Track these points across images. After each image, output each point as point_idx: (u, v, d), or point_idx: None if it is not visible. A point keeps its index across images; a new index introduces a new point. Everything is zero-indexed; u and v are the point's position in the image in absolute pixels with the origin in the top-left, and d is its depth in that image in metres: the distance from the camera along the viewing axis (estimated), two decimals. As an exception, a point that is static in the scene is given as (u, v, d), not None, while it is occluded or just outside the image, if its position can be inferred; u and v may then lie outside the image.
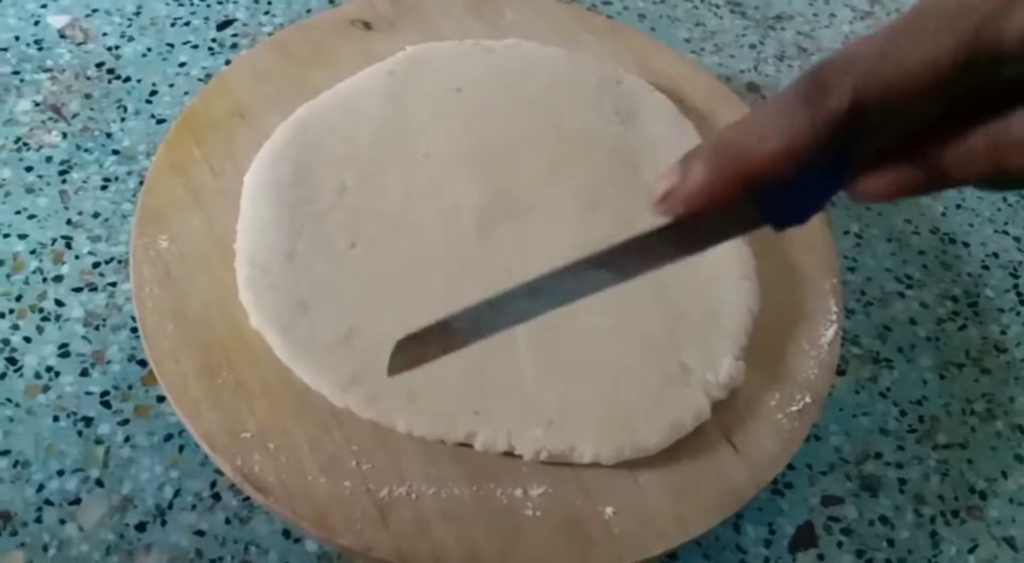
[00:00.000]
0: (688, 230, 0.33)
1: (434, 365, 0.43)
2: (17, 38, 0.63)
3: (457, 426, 0.42)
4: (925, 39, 0.27)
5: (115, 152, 0.58)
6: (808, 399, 0.47)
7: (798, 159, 0.29)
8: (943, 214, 0.65)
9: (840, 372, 0.55)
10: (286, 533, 0.46)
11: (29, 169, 0.57)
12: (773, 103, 0.29)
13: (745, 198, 0.31)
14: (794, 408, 0.47)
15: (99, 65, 0.62)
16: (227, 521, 0.46)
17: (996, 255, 0.64)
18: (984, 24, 0.26)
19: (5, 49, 0.62)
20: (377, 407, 0.43)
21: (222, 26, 0.65)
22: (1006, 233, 0.65)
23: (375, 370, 0.42)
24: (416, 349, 0.37)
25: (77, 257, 0.53)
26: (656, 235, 0.34)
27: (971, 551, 0.51)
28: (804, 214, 0.32)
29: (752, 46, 0.73)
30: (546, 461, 0.43)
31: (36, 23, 0.64)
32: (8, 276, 0.52)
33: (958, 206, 0.66)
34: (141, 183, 0.56)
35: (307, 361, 0.43)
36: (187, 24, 0.65)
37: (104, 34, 0.64)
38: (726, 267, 0.49)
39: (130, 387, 0.49)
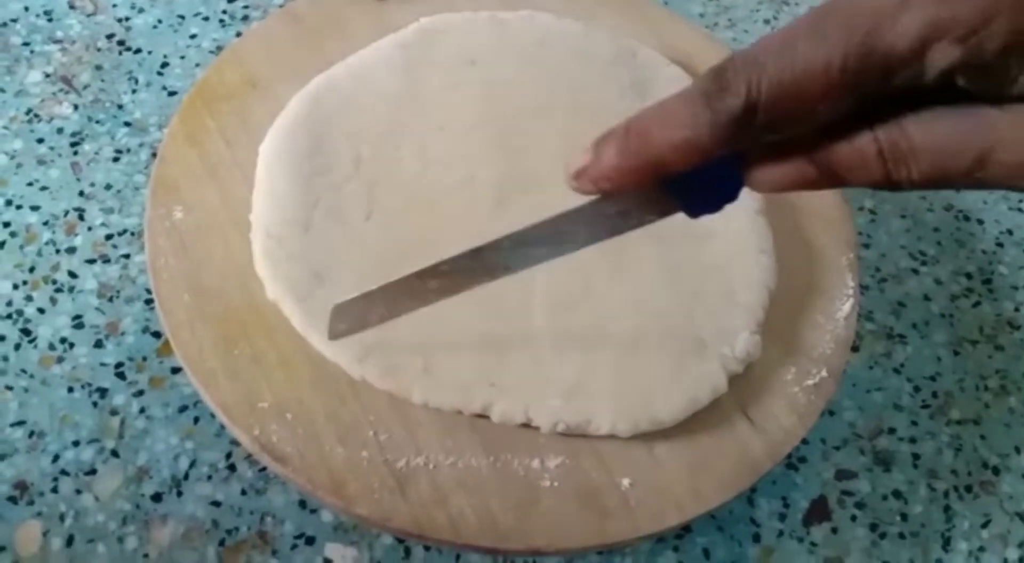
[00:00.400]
0: (608, 211, 0.35)
1: (450, 337, 0.44)
2: (27, 8, 0.62)
3: (474, 398, 0.42)
4: (819, 40, 0.27)
5: (126, 124, 0.58)
6: (824, 373, 0.47)
7: (698, 151, 0.30)
8: (957, 191, 0.65)
9: (854, 348, 0.55)
10: (302, 504, 0.46)
11: (40, 141, 0.56)
12: (681, 94, 0.30)
13: (656, 185, 0.32)
14: (810, 382, 0.47)
15: (110, 36, 0.62)
16: (243, 492, 0.46)
17: (1010, 232, 0.63)
18: (874, 27, 0.26)
19: (15, 20, 0.62)
20: (393, 378, 0.42)
21: (233, -2, 0.65)
22: (1020, 210, 0.65)
23: (391, 341, 0.43)
24: (359, 310, 0.39)
25: (90, 229, 0.53)
26: (577, 213, 0.36)
27: (984, 526, 0.51)
28: (716, 202, 0.33)
29: (766, 21, 0.73)
30: (563, 433, 0.42)
31: (46, -6, 0.63)
32: (21, 247, 0.52)
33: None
34: (153, 155, 0.56)
35: (324, 332, 0.43)
36: (198, -5, 0.65)
37: (114, 5, 0.63)
38: (743, 242, 0.49)
39: (144, 359, 0.49)
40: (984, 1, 0.25)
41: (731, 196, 0.33)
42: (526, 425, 0.43)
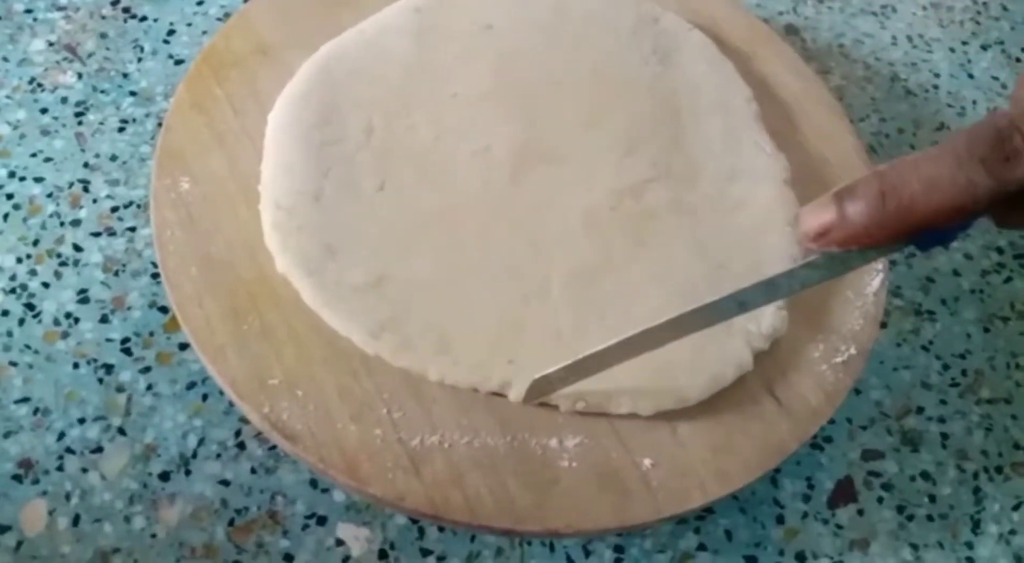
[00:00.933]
0: (837, 259, 0.34)
1: (466, 312, 0.42)
2: (29, -25, 0.60)
3: (491, 375, 0.41)
4: None
5: (132, 93, 0.56)
6: (853, 351, 0.45)
7: (970, 214, 0.30)
8: None
9: (882, 325, 0.53)
10: (313, 483, 0.45)
11: (44, 111, 0.55)
12: (947, 156, 0.29)
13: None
14: (838, 360, 0.45)
15: (114, 3, 0.60)
16: (252, 470, 0.45)
17: (1043, 205, 0.61)
18: None
19: (17, -14, 0.60)
20: (408, 354, 0.41)
21: (240, -37, 0.63)
22: (1053, 183, 0.62)
23: (406, 316, 0.41)
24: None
25: (95, 201, 0.52)
26: (806, 267, 0.36)
27: (1015, 508, 0.49)
28: (950, 238, 0.33)
29: (790, -13, 0.70)
30: (583, 411, 0.41)
31: (48, -41, 0.61)
32: (24, 220, 0.51)
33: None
34: (159, 125, 0.54)
35: (336, 306, 0.42)
36: (204, -39, 0.63)
37: (119, -29, 0.61)
38: (770, 215, 0.47)
39: (151, 334, 0.48)
40: None
41: (966, 227, 0.32)
42: (544, 403, 0.41)
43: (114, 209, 0.52)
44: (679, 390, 0.41)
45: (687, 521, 0.46)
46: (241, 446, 0.45)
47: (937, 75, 0.67)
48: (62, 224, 0.51)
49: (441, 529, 0.44)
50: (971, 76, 0.68)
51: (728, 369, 0.42)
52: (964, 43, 0.70)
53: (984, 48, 0.70)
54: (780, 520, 0.47)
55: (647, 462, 0.41)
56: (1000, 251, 0.59)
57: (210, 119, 0.48)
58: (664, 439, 0.42)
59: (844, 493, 0.49)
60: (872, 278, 0.48)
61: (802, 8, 0.69)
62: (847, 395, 0.45)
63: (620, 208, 0.46)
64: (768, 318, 0.44)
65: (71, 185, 0.52)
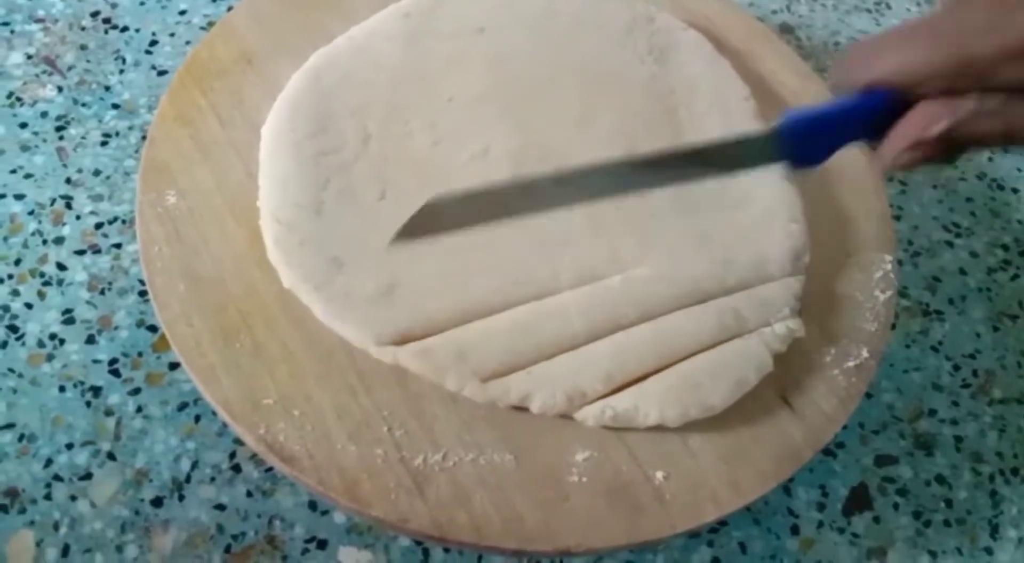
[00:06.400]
0: (712, 153, 0.36)
1: (478, 317, 0.41)
2: (5, -13, 0.59)
3: (510, 388, 0.39)
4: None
5: (115, 106, 0.55)
6: (865, 354, 0.44)
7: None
8: (989, 160, 0.62)
9: (891, 326, 0.52)
10: (312, 505, 0.43)
11: (24, 125, 0.53)
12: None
13: (774, 131, 0.35)
14: (851, 364, 0.44)
15: (94, 14, 0.58)
16: (249, 494, 0.43)
17: (1047, 200, 0.60)
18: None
19: (-7, -1, 0.58)
20: (428, 362, 0.40)
21: (223, -29, 0.61)
22: (1057, 177, 0.62)
23: (421, 324, 0.40)
24: (441, 216, 0.36)
25: (78, 217, 0.50)
26: (683, 152, 0.36)
27: (1033, 511, 0.48)
28: (821, 157, 0.36)
29: (783, -15, 0.69)
30: (607, 426, 0.40)
31: (25, -29, 0.60)
32: (5, 239, 0.49)
33: (1005, 151, 0.63)
34: (143, 138, 0.52)
35: (348, 317, 0.40)
36: (186, -30, 0.61)
37: (98, -19, 0.60)
38: (772, 210, 0.46)
39: (140, 354, 0.46)
40: None
41: (833, 151, 0.36)
42: (564, 416, 0.40)
43: (98, 225, 0.50)
44: (704, 398, 0.40)
45: (700, 534, 0.45)
46: (236, 469, 0.44)
47: (934, 71, 0.66)
48: (45, 242, 0.49)
49: (447, 550, 0.43)
50: (969, 71, 0.66)
51: (749, 372, 0.41)
52: (960, 38, 0.69)
53: (980, 42, 0.69)
54: (795, 531, 0.46)
55: (659, 475, 0.39)
56: (1005, 248, 0.58)
57: (195, 130, 0.46)
58: (676, 450, 0.40)
59: (859, 500, 0.47)
60: (882, 280, 0.46)
61: (796, 7, 0.68)
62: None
63: (623, 206, 0.45)
64: (783, 319, 0.43)
65: (53, 202, 0.51)
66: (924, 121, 0.33)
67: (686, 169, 0.36)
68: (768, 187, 0.47)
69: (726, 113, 0.49)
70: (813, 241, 0.46)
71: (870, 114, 0.35)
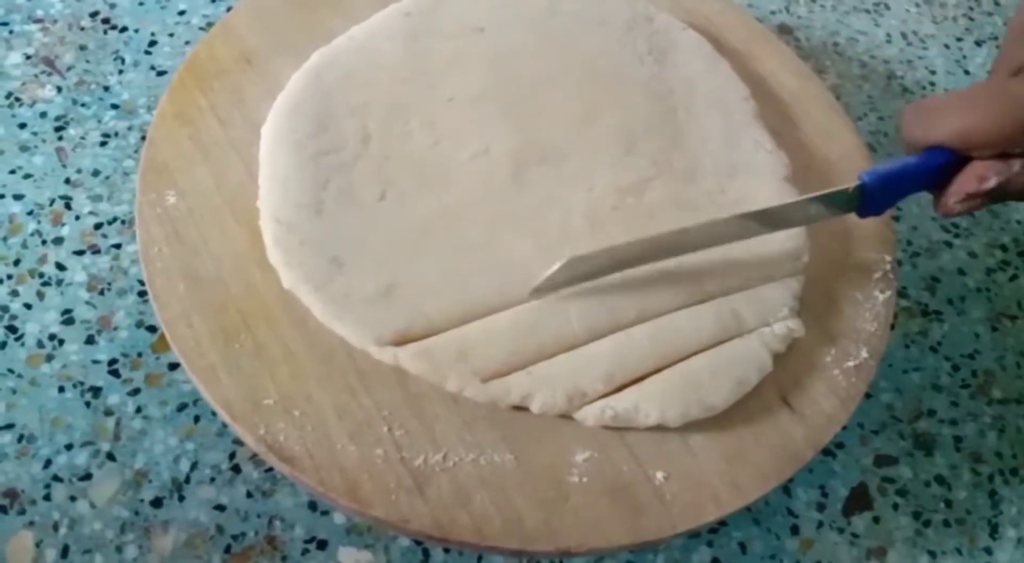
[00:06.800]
0: (796, 212, 0.42)
1: (478, 317, 0.41)
2: (4, -13, 0.59)
3: (511, 388, 0.39)
4: None
5: (114, 106, 0.54)
6: (865, 354, 0.44)
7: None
8: None
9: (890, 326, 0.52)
10: (312, 506, 0.43)
11: (23, 126, 0.53)
12: None
13: (857, 189, 0.42)
14: (851, 364, 0.44)
15: (93, 14, 0.58)
16: (249, 494, 0.43)
17: (1046, 201, 0.60)
18: None
19: (-8, -1, 0.58)
20: (428, 363, 0.40)
21: (222, -29, 0.61)
22: (1055, 178, 0.62)
23: (421, 324, 0.40)
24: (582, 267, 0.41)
25: (78, 218, 0.50)
26: (774, 212, 0.42)
27: (1033, 511, 0.48)
28: (887, 207, 0.43)
29: (783, -14, 0.69)
30: (608, 426, 0.40)
31: (24, -29, 0.60)
32: (5, 239, 0.49)
33: (1004, 151, 0.63)
34: (143, 138, 0.52)
35: (348, 317, 0.40)
36: (185, -30, 0.61)
37: (97, -19, 0.60)
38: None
39: (140, 354, 0.46)
40: None
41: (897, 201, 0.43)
42: (564, 416, 0.40)
43: (98, 226, 0.50)
44: (705, 397, 0.40)
45: (700, 535, 0.45)
46: (236, 469, 0.44)
47: (933, 72, 0.66)
48: (44, 242, 0.49)
49: (447, 551, 0.43)
50: (967, 72, 0.67)
51: (750, 372, 0.41)
52: (958, 39, 0.69)
53: (978, 44, 0.69)
54: (795, 531, 0.46)
55: (660, 475, 0.39)
56: (1004, 249, 0.58)
57: (195, 130, 0.46)
58: (676, 450, 0.40)
59: (859, 500, 0.47)
60: (881, 279, 0.46)
61: (795, 7, 0.68)
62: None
63: (622, 206, 0.45)
64: (783, 319, 0.43)
65: (52, 202, 0.51)
66: (978, 178, 0.39)
67: (768, 225, 0.42)
68: (768, 187, 0.47)
69: (726, 113, 0.49)
70: (812, 241, 0.46)
71: (933, 170, 0.40)
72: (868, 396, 0.50)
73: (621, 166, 0.47)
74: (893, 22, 0.69)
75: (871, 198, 0.42)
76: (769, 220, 0.42)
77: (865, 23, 0.68)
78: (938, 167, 0.40)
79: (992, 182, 0.39)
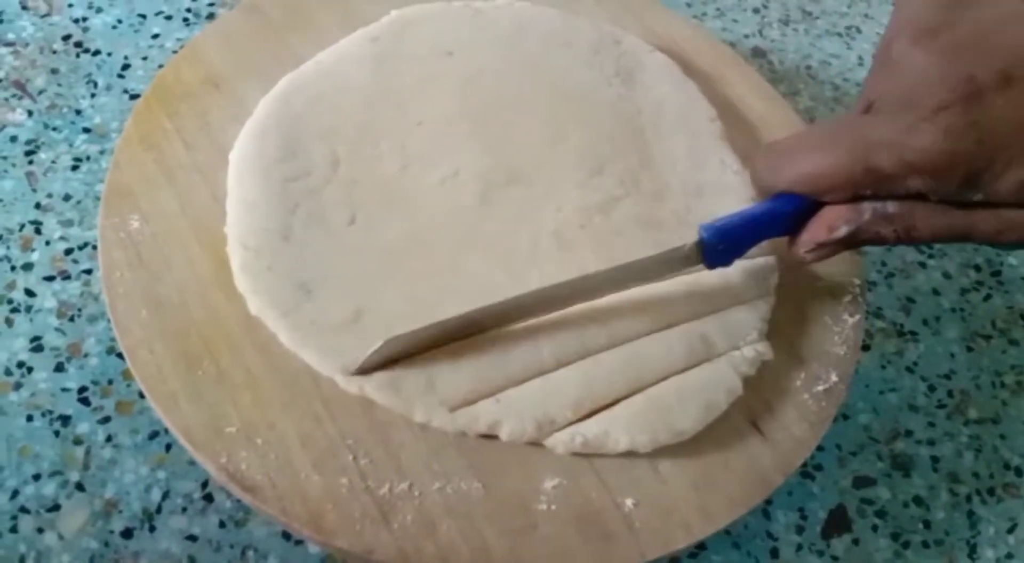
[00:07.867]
0: (646, 269, 0.41)
1: (451, 350, 0.40)
2: (-25, 11, 0.59)
3: (479, 416, 0.39)
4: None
5: (86, 130, 0.54)
6: (835, 378, 0.44)
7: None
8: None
9: (865, 347, 0.52)
10: (286, 535, 0.43)
11: (-8, 151, 0.53)
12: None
13: (696, 245, 0.41)
14: (820, 388, 0.43)
15: (66, 38, 0.58)
16: (221, 524, 0.43)
17: (1022, 219, 0.60)
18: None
19: (-37, 23, 0.58)
20: (395, 394, 0.39)
21: (197, -5, 0.61)
22: (1031, 195, 0.62)
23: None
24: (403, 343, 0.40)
25: (48, 243, 0.50)
26: (624, 270, 0.41)
27: (1010, 531, 0.48)
28: (738, 255, 0.41)
29: (755, 10, 0.70)
30: (578, 453, 0.39)
31: (-5, -5, 0.60)
32: (-28, 266, 0.49)
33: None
34: (114, 163, 0.52)
35: (315, 345, 0.40)
36: (159, -7, 0.61)
37: (70, 5, 0.60)
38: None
39: (110, 382, 0.46)
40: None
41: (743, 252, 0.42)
42: (533, 443, 0.39)
43: (68, 251, 0.50)
44: (674, 422, 0.40)
45: (679, 559, 0.44)
46: (208, 498, 0.43)
47: (907, 91, 0.66)
48: (13, 269, 0.49)
49: (415, 579, 0.42)
50: (942, 90, 0.67)
51: (719, 396, 0.41)
52: (933, 58, 0.69)
53: (954, 62, 0.69)
54: (775, 554, 0.45)
55: (629, 502, 0.39)
56: (978, 269, 0.58)
57: (160, 154, 0.46)
58: (646, 477, 0.40)
59: (838, 523, 0.47)
60: (850, 303, 0.46)
61: (768, 31, 0.68)
62: (834, 421, 0.43)
63: (589, 225, 0.45)
64: (751, 342, 0.43)
65: (22, 227, 0.50)
66: (827, 228, 0.37)
67: (624, 282, 0.41)
68: (734, 207, 0.46)
69: (692, 134, 0.49)
70: (781, 264, 0.46)
71: (782, 216, 0.39)
72: (845, 417, 0.50)
73: (589, 186, 0.46)
74: (865, 45, 0.69)
75: (714, 251, 0.41)
76: (614, 280, 0.41)
77: (837, 46, 0.68)
78: (787, 212, 0.39)
79: (842, 231, 0.37)
